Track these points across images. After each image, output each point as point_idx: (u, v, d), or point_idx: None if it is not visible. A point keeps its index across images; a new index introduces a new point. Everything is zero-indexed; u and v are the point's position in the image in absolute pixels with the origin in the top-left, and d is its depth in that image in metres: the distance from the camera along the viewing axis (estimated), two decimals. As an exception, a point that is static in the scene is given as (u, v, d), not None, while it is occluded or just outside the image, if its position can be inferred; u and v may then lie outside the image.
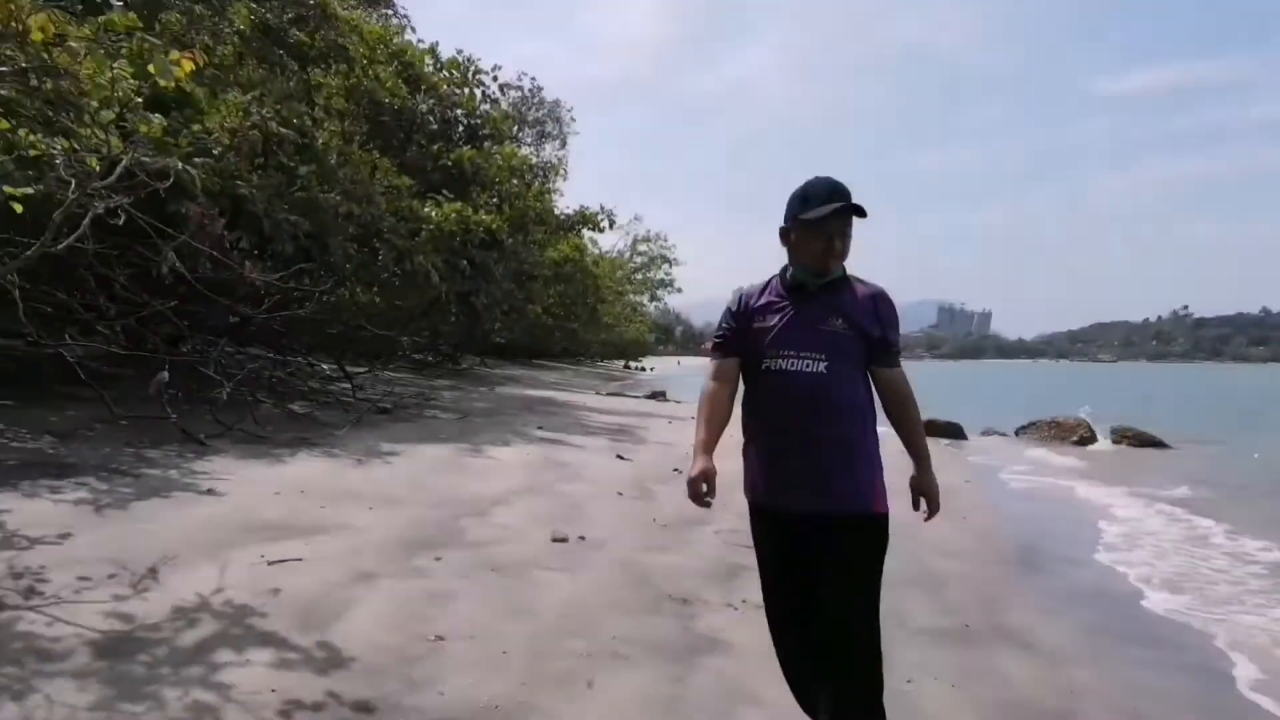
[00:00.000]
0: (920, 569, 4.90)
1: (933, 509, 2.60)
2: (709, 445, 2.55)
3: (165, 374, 7.75)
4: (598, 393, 21.98)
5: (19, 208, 4.59)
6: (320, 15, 9.68)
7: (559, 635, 3.36)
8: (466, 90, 13.88)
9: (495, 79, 17.04)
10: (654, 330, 67.67)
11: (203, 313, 8.94)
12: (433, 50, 13.69)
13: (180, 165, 4.72)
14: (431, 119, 13.56)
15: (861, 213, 2.49)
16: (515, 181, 13.71)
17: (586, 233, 21.82)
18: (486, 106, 15.99)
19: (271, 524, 4.74)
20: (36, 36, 4.29)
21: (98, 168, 4.75)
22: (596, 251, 33.62)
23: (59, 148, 4.51)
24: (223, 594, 3.53)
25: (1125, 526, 7.11)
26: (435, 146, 13.18)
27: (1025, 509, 7.89)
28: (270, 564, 3.99)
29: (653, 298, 57.22)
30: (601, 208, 18.45)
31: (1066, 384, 51.35)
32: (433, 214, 10.80)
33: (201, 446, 6.90)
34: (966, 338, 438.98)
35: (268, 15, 9.23)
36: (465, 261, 11.71)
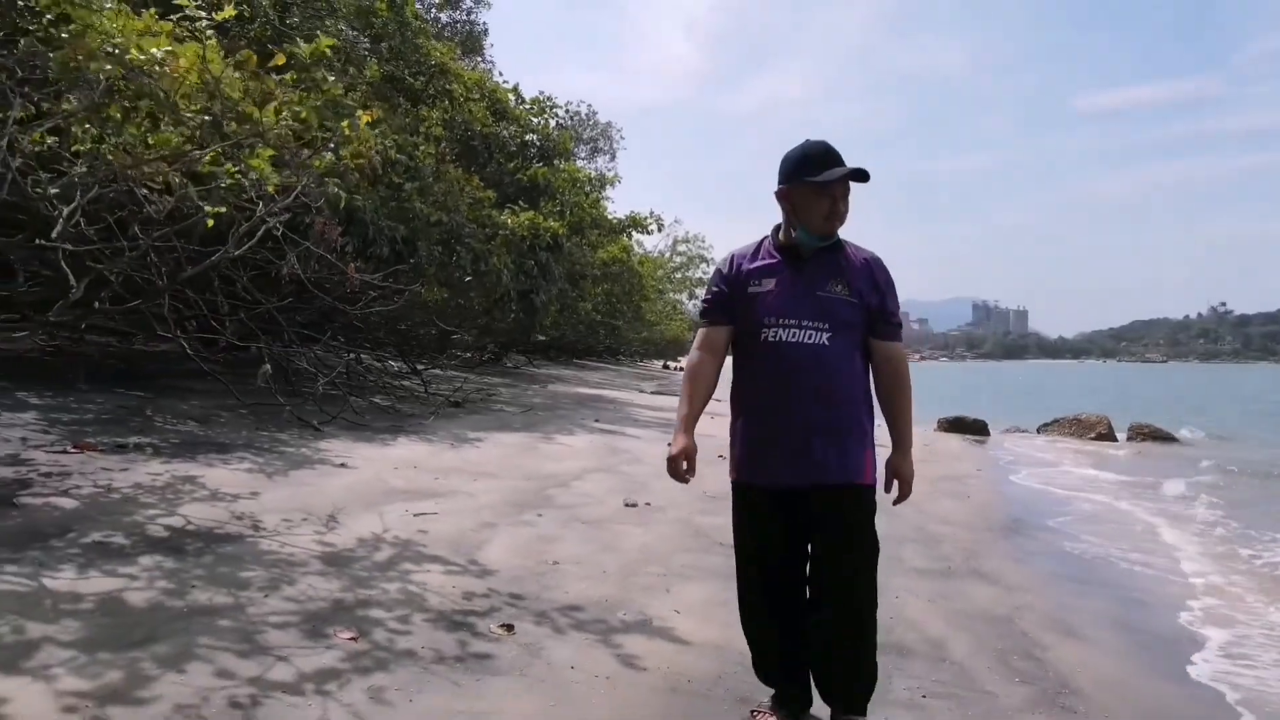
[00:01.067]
0: (921, 532, 6.01)
1: (904, 493, 2.62)
2: (690, 421, 2.63)
3: (268, 367, 9.04)
4: (642, 391, 23.19)
5: (210, 223, 5.91)
6: (439, 71, 11.38)
7: (641, 563, 4.57)
8: (542, 120, 15.75)
9: (566, 110, 19.16)
10: (693, 328, 68.97)
11: (304, 309, 10.24)
12: (516, 89, 15.63)
13: (335, 190, 5.98)
14: (511, 142, 15.07)
15: (865, 177, 2.48)
16: (575, 190, 15.41)
17: (634, 234, 23.19)
18: (556, 133, 17.68)
19: (401, 489, 5.99)
20: (234, 95, 5.57)
21: (275, 192, 6.05)
22: (641, 252, 35.06)
23: (251, 177, 5.79)
24: (389, 533, 4.78)
25: (1106, 506, 8.20)
26: (512, 164, 14.74)
27: (1022, 492, 8.95)
28: (415, 515, 5.23)
29: (691, 295, 58.55)
30: (651, 212, 19.90)
31: (1133, 386, 51.16)
32: (508, 220, 12.23)
33: (316, 431, 8.18)
34: (1006, 336, 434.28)
35: (394, 69, 10.89)
36: (532, 263, 13.04)
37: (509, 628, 3.44)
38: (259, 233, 6.30)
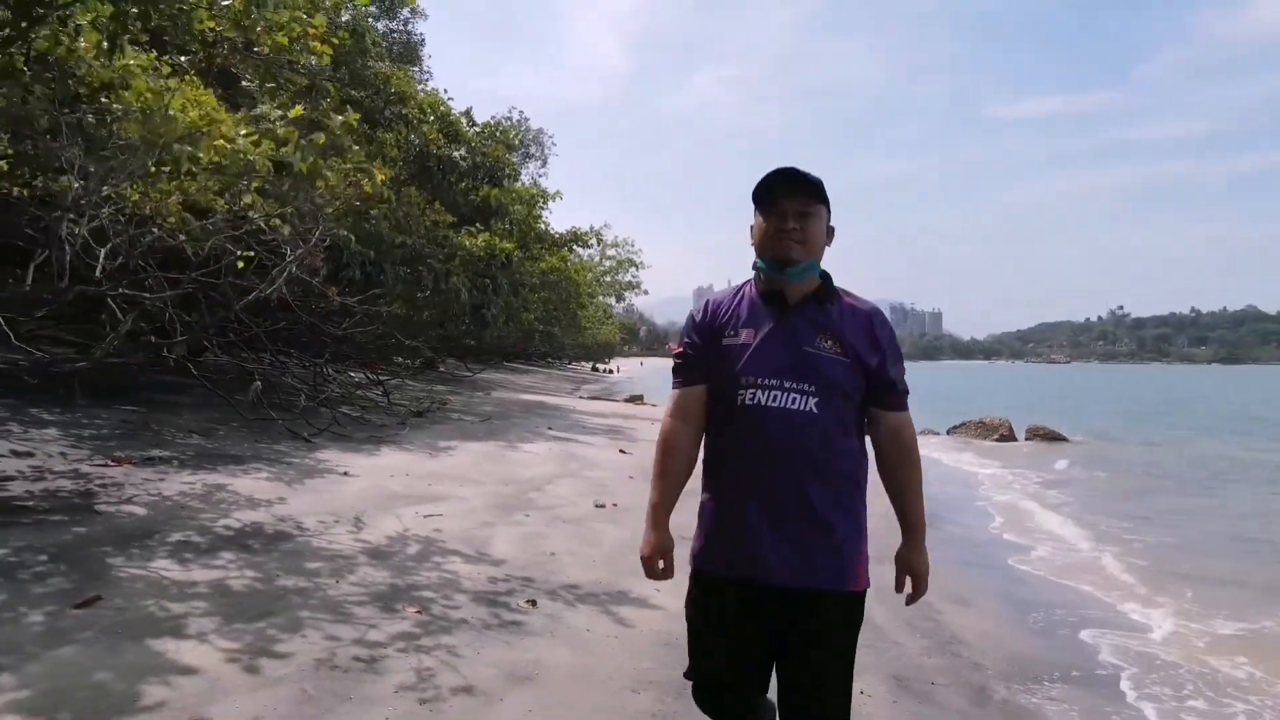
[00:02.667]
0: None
1: (919, 590, 2.26)
2: (662, 511, 2.25)
3: (259, 384, 9.79)
4: (580, 396, 24.18)
5: (241, 264, 6.73)
6: (400, 98, 12.18)
7: (621, 553, 5.58)
8: (493, 142, 16.62)
9: (514, 131, 19.96)
10: (621, 331, 70.14)
11: (286, 330, 10.98)
12: (468, 113, 16.37)
13: (345, 233, 6.86)
14: (463, 164, 15.90)
15: (815, 191, 2.15)
16: (521, 208, 16.38)
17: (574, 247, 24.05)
18: (503, 148, 18.59)
19: (403, 494, 6.87)
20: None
21: (286, 232, 6.88)
22: (575, 259, 36.00)
23: (271, 223, 6.61)
24: (409, 532, 5.69)
25: (993, 496, 9.63)
26: (463, 185, 15.57)
27: (931, 489, 10.23)
28: (425, 517, 6.15)
29: (619, 299, 59.71)
30: (591, 227, 20.94)
31: (1039, 387, 54.72)
32: (466, 242, 13.10)
33: (307, 443, 8.94)
34: (923, 338, 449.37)
35: (353, 93, 11.63)
36: (486, 280, 13.94)
37: (533, 602, 4.42)
38: (285, 274, 7.12)
